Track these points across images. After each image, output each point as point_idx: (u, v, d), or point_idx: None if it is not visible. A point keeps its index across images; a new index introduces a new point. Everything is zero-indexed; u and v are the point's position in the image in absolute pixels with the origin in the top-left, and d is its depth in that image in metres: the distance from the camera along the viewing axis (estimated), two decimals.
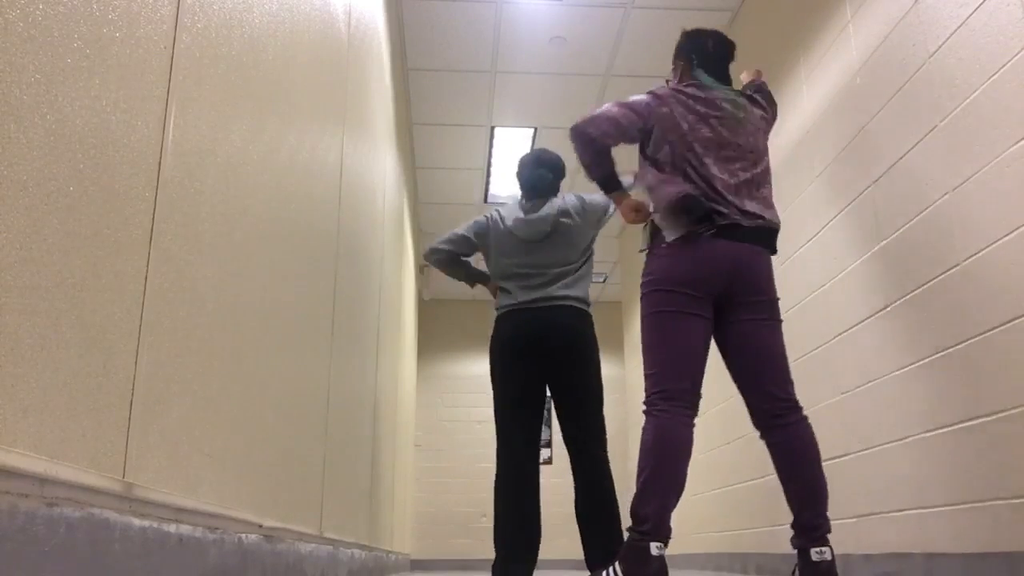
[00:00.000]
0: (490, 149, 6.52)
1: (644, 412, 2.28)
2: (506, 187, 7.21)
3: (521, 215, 3.06)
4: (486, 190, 7.24)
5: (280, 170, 1.92)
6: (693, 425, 2.24)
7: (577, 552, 8.98)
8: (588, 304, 3.07)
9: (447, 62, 5.39)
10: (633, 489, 2.25)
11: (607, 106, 2.42)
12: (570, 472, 9.72)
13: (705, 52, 2.52)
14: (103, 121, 1.01)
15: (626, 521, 7.87)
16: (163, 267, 1.21)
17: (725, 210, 2.29)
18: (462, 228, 3.19)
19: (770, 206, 2.39)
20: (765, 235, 2.34)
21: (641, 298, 2.37)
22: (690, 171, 2.34)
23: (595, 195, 3.15)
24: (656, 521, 2.12)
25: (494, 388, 3.05)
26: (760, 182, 2.39)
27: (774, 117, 2.70)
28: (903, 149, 2.97)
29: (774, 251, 2.39)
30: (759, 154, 2.42)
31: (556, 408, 3.05)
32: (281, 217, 1.94)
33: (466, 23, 5.01)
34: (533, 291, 3.01)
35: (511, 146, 6.50)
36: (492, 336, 3.06)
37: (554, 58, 5.36)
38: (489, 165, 6.79)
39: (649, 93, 2.43)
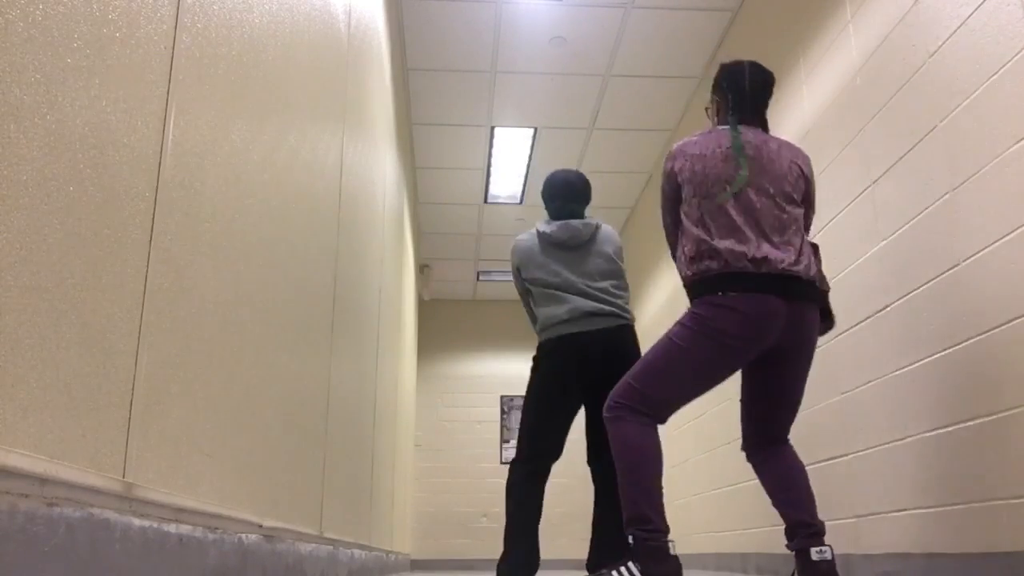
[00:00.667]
0: (490, 149, 6.52)
1: (613, 416, 2.28)
2: (506, 187, 7.22)
3: (562, 222, 3.06)
4: (486, 190, 7.25)
5: (280, 170, 1.92)
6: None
7: (577, 552, 8.98)
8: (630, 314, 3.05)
9: (447, 62, 5.39)
10: None
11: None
12: (569, 472, 9.68)
13: (742, 92, 2.44)
14: (103, 121, 1.01)
15: None
16: (163, 267, 1.21)
17: (741, 263, 2.23)
18: (513, 273, 3.18)
19: (801, 253, 2.29)
20: (800, 286, 2.25)
21: (681, 321, 2.29)
22: (707, 219, 2.29)
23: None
24: (659, 511, 2.16)
25: (531, 400, 2.97)
26: (789, 227, 2.30)
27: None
28: (903, 149, 2.97)
29: (816, 302, 2.31)
30: (792, 203, 2.33)
31: (590, 418, 3.02)
32: (281, 217, 1.94)
33: (466, 23, 5.01)
34: (574, 314, 2.91)
35: (511, 146, 6.50)
36: (540, 359, 2.97)
37: (554, 58, 5.36)
38: (489, 165, 6.79)
39: (676, 149, 2.43)
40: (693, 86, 5.67)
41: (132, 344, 1.11)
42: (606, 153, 6.59)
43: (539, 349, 3.00)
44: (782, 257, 2.24)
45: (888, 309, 3.07)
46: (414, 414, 8.85)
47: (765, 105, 2.48)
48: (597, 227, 3.09)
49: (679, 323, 2.29)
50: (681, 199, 2.40)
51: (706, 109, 2.59)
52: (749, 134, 2.38)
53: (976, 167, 2.54)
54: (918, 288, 2.86)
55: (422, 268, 8.84)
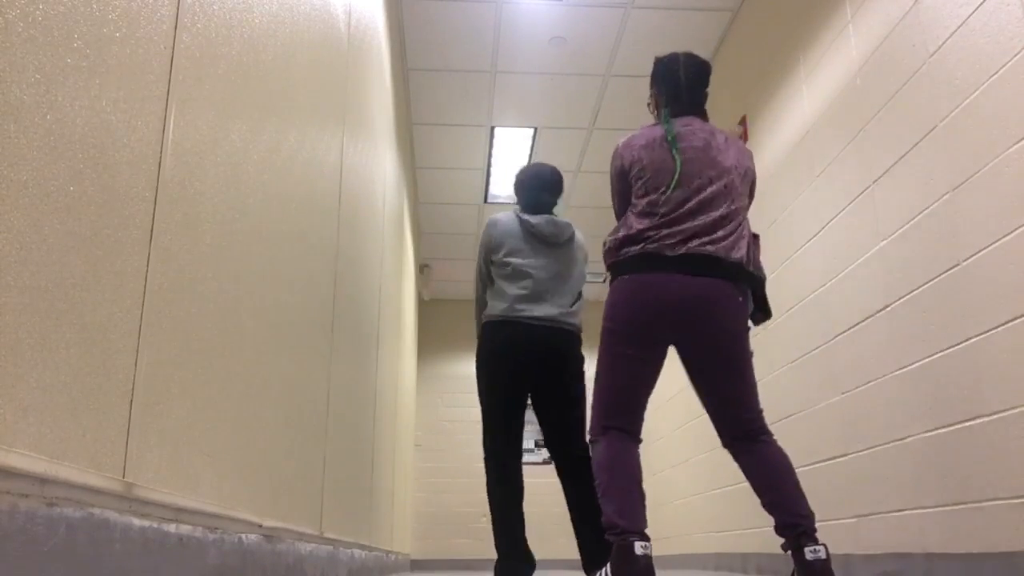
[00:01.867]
0: (490, 149, 6.52)
1: (590, 441, 2.34)
2: (506, 187, 7.21)
3: (547, 217, 3.08)
4: (486, 190, 7.24)
5: (280, 170, 1.92)
6: (636, 447, 2.30)
7: (576, 552, 8.98)
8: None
9: (447, 62, 5.39)
10: None
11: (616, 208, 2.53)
12: None
13: (677, 84, 2.46)
14: (103, 121, 1.01)
15: None
16: (163, 267, 1.21)
17: (667, 247, 2.27)
18: (476, 267, 3.19)
19: (728, 237, 2.30)
20: (714, 264, 2.26)
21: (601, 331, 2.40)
22: (649, 210, 2.33)
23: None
24: (628, 515, 2.15)
25: (482, 398, 3.00)
26: (730, 219, 2.32)
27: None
28: (903, 149, 2.97)
29: (740, 282, 2.30)
30: (730, 191, 2.34)
31: (545, 427, 3.04)
32: (281, 217, 1.94)
33: (466, 23, 5.01)
34: (536, 304, 2.94)
35: (511, 146, 6.50)
36: (483, 344, 2.99)
37: (554, 58, 5.36)
38: (489, 165, 6.79)
39: (621, 146, 2.45)
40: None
41: (132, 344, 1.11)
42: (606, 153, 6.59)
43: (485, 327, 3.01)
44: (702, 240, 2.27)
45: (888, 309, 3.07)
46: (414, 414, 8.85)
47: (702, 96, 2.49)
48: (573, 231, 3.12)
49: (601, 330, 2.38)
50: (633, 193, 2.42)
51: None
52: (695, 124, 2.41)
53: (976, 167, 2.54)
54: (918, 288, 2.86)
55: (422, 268, 8.84)
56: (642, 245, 2.29)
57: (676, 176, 2.31)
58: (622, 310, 2.29)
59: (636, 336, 2.28)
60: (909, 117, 2.94)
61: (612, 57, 5.35)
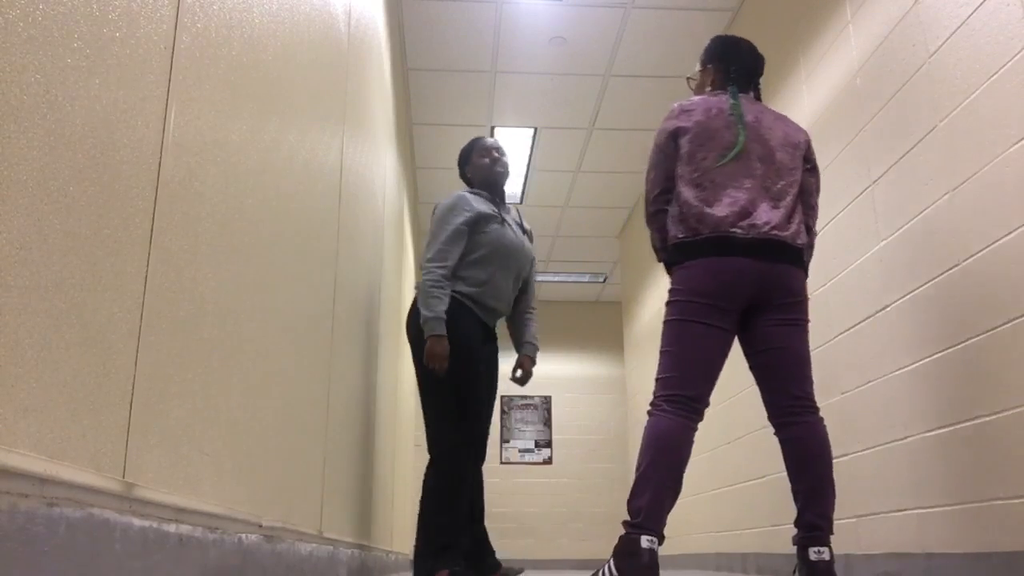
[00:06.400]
0: None
1: (648, 412, 2.29)
2: (507, 187, 7.21)
3: None
4: None
5: (280, 170, 1.92)
6: (694, 430, 2.25)
7: (577, 552, 8.98)
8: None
9: (447, 62, 5.39)
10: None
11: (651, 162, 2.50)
12: (568, 472, 9.70)
13: (742, 64, 2.53)
14: (103, 121, 1.01)
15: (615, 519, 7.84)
16: (163, 267, 1.21)
17: (728, 227, 2.29)
18: None
19: (791, 219, 2.36)
20: (783, 250, 2.31)
21: (666, 304, 2.37)
22: (703, 182, 2.34)
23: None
24: (648, 513, 2.13)
25: None
26: (786, 194, 2.37)
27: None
28: (903, 149, 2.97)
29: (802, 268, 2.37)
30: (787, 170, 2.40)
31: None
32: (281, 217, 1.94)
33: (466, 23, 5.01)
34: None
35: (511, 146, 6.50)
36: None
37: (554, 58, 5.36)
38: None
39: (678, 108, 2.45)
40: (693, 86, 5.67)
41: (132, 344, 1.11)
42: (606, 153, 6.59)
43: None
44: (769, 219, 2.30)
45: (888, 309, 3.07)
46: (414, 414, 8.85)
47: (759, 78, 2.58)
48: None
49: (667, 303, 2.36)
50: (678, 159, 2.42)
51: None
52: (750, 103, 2.47)
53: (976, 167, 2.54)
54: (918, 288, 2.86)
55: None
56: (708, 226, 2.29)
57: (737, 149, 2.35)
58: (701, 284, 2.27)
59: (717, 307, 2.27)
60: (909, 117, 2.94)
61: (612, 57, 5.35)
